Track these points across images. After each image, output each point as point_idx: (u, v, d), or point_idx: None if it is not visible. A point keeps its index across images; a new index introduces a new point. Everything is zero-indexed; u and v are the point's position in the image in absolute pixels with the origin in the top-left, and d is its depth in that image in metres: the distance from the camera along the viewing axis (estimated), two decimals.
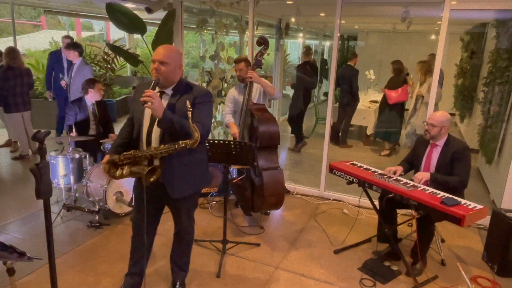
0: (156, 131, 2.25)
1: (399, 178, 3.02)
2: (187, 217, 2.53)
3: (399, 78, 6.02)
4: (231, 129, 3.80)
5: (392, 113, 6.11)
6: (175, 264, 2.66)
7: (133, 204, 2.87)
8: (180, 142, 2.11)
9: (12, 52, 5.12)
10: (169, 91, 2.32)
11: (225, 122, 3.95)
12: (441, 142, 3.07)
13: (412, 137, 5.79)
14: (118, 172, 2.27)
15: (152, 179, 2.20)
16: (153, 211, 2.50)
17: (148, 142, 2.28)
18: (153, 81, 2.20)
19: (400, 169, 3.13)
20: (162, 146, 2.17)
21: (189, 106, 2.08)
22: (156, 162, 2.27)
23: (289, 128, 6.75)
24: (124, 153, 2.24)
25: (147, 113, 2.28)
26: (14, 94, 5.14)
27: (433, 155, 3.10)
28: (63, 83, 5.23)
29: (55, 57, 5.66)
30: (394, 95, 5.94)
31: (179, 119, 2.13)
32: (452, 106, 7.89)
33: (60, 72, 5.52)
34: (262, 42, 3.63)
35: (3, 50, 5.23)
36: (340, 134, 6.76)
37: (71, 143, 3.90)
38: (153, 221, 2.56)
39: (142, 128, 2.31)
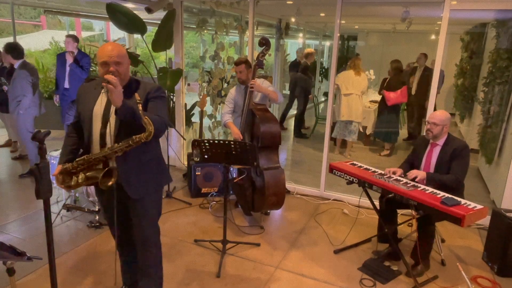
0: (109, 131, 2.08)
1: (399, 178, 3.02)
2: (148, 222, 2.29)
3: (398, 78, 6.01)
4: (232, 130, 3.78)
5: (391, 113, 6.10)
6: (141, 269, 2.39)
7: None
8: (134, 137, 1.97)
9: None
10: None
11: (223, 121, 3.94)
12: (441, 142, 3.07)
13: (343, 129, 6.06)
14: (73, 181, 2.10)
15: (110, 183, 2.03)
16: (122, 216, 2.33)
17: (102, 144, 2.09)
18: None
19: (399, 171, 3.12)
20: (116, 145, 2.02)
21: (139, 99, 1.94)
22: (112, 164, 2.11)
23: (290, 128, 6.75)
24: (77, 159, 2.09)
25: (97, 113, 2.10)
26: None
27: (433, 155, 3.10)
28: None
29: (61, 59, 5.32)
30: (392, 96, 5.93)
31: (136, 109, 1.95)
32: (452, 106, 7.90)
33: (62, 74, 5.34)
34: (264, 42, 3.63)
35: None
36: None
37: None
38: (124, 227, 2.40)
39: (92, 130, 2.11)
